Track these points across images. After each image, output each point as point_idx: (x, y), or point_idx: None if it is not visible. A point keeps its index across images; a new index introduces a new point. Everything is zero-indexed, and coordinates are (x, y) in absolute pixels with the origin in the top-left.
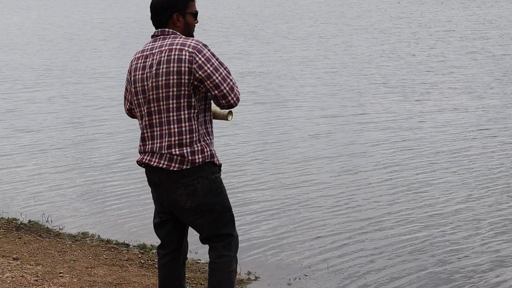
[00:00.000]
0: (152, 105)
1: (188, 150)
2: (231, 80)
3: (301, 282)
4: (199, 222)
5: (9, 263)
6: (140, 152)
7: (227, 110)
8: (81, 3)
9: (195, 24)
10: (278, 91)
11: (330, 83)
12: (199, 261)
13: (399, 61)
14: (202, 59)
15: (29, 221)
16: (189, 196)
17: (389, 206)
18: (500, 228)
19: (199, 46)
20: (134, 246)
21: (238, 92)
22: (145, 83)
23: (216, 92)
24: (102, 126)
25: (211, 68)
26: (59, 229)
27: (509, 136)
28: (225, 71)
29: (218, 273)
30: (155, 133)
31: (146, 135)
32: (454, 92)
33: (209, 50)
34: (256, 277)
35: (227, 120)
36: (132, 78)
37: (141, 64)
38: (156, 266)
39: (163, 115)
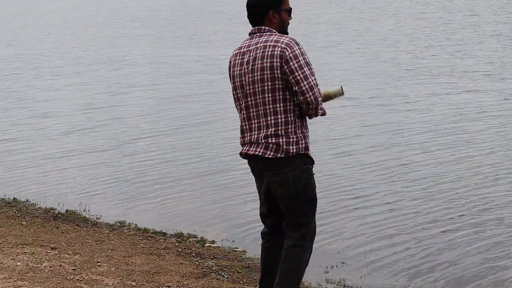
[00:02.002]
0: (249, 99)
1: (284, 140)
2: (312, 80)
3: (338, 270)
4: (285, 208)
5: (47, 252)
6: (241, 144)
7: (339, 85)
8: None
9: (289, 21)
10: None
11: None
12: (236, 249)
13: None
14: (291, 55)
15: (67, 210)
16: (280, 183)
17: (435, 203)
18: None
19: (291, 43)
20: (171, 235)
21: (319, 93)
22: (243, 78)
23: (296, 88)
24: (140, 115)
25: (296, 65)
26: (96, 218)
27: None
28: (309, 71)
29: (289, 261)
30: (253, 125)
31: (245, 127)
32: None
33: (300, 48)
34: None
35: (343, 94)
36: (231, 74)
37: (239, 61)
38: (193, 254)
39: (260, 108)
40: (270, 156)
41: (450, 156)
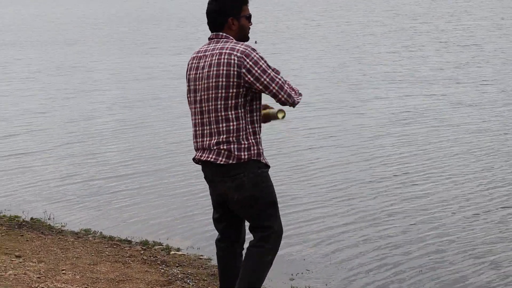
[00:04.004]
0: (203, 104)
1: (235, 146)
2: (279, 79)
3: (303, 277)
4: (246, 213)
5: (12, 260)
6: (195, 149)
7: (277, 109)
8: None
9: (250, 27)
10: None
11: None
12: (201, 257)
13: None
14: (250, 63)
15: (31, 218)
16: (237, 189)
17: (393, 202)
18: None
19: (247, 51)
20: (137, 242)
21: (293, 90)
22: (197, 82)
23: (266, 92)
24: (105, 123)
25: (259, 71)
26: (61, 226)
27: None
28: (272, 72)
29: (249, 260)
30: (206, 131)
31: (198, 132)
32: None
33: (257, 53)
34: None
35: (278, 118)
36: (187, 77)
37: (195, 65)
38: (159, 262)
39: (212, 115)
40: (222, 162)
41: (414, 159)
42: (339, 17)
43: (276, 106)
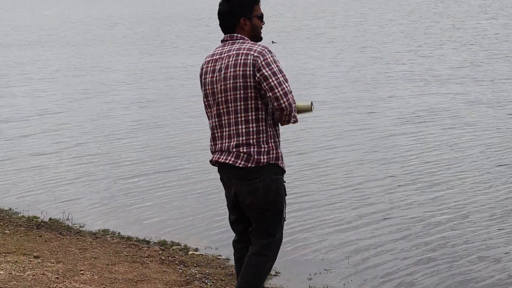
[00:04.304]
0: (221, 107)
1: (255, 149)
2: (286, 86)
3: (322, 277)
4: (253, 216)
5: (30, 261)
6: (211, 152)
7: (310, 101)
8: None
9: (262, 26)
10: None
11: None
12: (219, 257)
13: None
14: (263, 62)
15: (50, 219)
16: (250, 193)
17: (411, 202)
18: None
19: (264, 51)
20: (155, 243)
21: (293, 100)
22: (215, 85)
23: (270, 94)
24: (123, 124)
25: (269, 72)
26: (80, 226)
27: None
28: (282, 78)
29: (250, 268)
30: (225, 133)
31: (216, 135)
32: None
33: (272, 56)
34: (276, 272)
35: (311, 111)
36: (203, 81)
37: (211, 68)
38: (177, 262)
39: (231, 116)
40: (240, 165)
41: (433, 160)
42: (356, 17)
43: (305, 99)
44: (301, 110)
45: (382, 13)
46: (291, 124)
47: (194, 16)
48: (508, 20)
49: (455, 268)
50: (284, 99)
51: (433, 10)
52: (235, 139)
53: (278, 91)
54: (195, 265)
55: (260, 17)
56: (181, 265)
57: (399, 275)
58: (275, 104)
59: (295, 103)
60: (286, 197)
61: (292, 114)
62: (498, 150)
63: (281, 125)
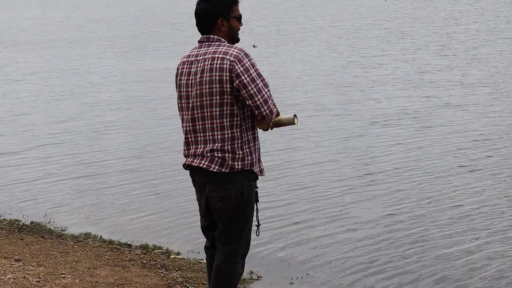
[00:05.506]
0: (196, 111)
1: (230, 155)
2: (266, 93)
3: (303, 281)
4: (221, 220)
5: (11, 264)
6: (184, 156)
7: (292, 114)
8: None
9: (240, 28)
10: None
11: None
12: (201, 261)
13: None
14: (241, 68)
15: (31, 222)
16: (221, 199)
17: (392, 206)
18: None
19: (240, 55)
20: (137, 246)
21: (273, 105)
22: (190, 89)
23: (250, 102)
24: (106, 127)
25: (248, 79)
26: (61, 230)
27: None
28: (261, 83)
29: (221, 278)
30: (199, 138)
31: (190, 140)
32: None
33: (249, 59)
34: (258, 276)
35: (294, 124)
36: (178, 82)
37: (187, 70)
38: (158, 266)
39: (206, 122)
40: (214, 170)
41: (414, 166)
42: (336, 21)
43: (288, 111)
44: (284, 123)
45: (361, 18)
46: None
47: (175, 20)
48: (487, 25)
49: (440, 270)
50: (265, 107)
51: (412, 15)
52: (210, 145)
53: (258, 99)
54: (176, 269)
55: (238, 18)
56: (163, 269)
57: (380, 277)
58: (256, 112)
59: (275, 107)
60: (259, 203)
61: (270, 116)
62: (461, 150)
63: (264, 130)
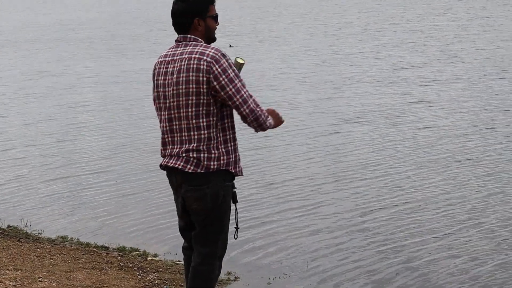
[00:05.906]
0: (172, 111)
1: (205, 155)
2: (245, 92)
3: (281, 282)
4: (197, 221)
5: None
6: (162, 156)
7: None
8: None
9: (216, 27)
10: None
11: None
12: (178, 262)
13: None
14: (219, 69)
15: (8, 226)
16: (197, 199)
17: (367, 204)
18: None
19: (217, 56)
20: (114, 249)
21: (255, 104)
22: (166, 89)
23: (229, 102)
24: (82, 129)
25: (226, 80)
26: (38, 233)
27: None
28: (240, 84)
29: (198, 279)
30: (176, 138)
31: (166, 140)
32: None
33: (227, 60)
34: (235, 277)
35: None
36: (155, 82)
37: (163, 70)
38: (135, 268)
39: (183, 122)
40: (190, 171)
41: (387, 162)
42: (313, 19)
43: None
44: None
45: (340, 16)
46: (270, 128)
47: (151, 20)
48: (466, 21)
49: (416, 271)
50: (245, 106)
51: (390, 12)
52: (186, 145)
53: (237, 99)
54: (154, 271)
55: (215, 17)
56: (140, 271)
57: (358, 277)
58: (237, 112)
59: (258, 106)
60: (237, 204)
61: (261, 119)
62: (434, 146)
63: (256, 132)
